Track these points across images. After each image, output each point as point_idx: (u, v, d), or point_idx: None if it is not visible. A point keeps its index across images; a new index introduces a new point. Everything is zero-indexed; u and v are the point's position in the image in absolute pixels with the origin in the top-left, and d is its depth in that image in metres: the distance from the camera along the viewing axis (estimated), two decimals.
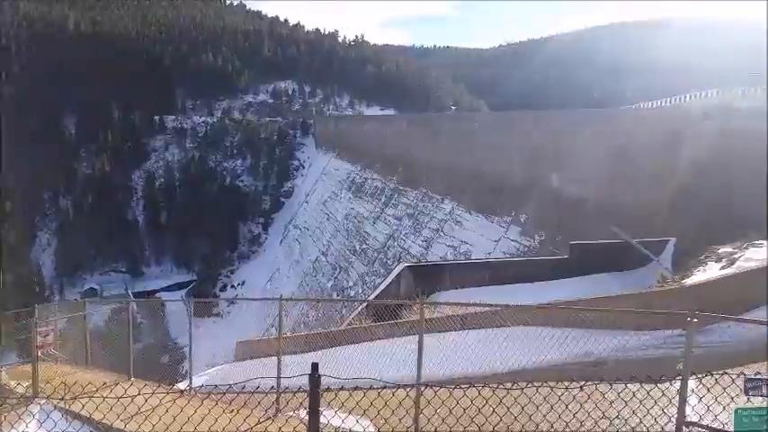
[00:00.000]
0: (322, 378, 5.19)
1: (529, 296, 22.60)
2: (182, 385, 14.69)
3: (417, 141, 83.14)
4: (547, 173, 49.46)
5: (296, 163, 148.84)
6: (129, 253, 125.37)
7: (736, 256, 20.07)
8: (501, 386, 6.17)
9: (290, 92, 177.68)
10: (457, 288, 27.08)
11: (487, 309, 13.67)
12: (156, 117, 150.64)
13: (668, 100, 49.82)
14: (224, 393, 6.40)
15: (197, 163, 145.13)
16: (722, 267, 19.65)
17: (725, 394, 5.37)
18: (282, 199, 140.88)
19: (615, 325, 13.05)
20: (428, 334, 14.02)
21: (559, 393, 6.26)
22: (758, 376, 4.29)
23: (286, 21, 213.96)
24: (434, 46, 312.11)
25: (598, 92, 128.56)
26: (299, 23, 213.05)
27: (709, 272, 19.82)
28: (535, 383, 6.10)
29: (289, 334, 21.29)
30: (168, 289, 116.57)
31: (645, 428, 6.23)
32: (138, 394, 6.15)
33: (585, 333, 13.31)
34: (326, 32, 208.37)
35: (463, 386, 6.64)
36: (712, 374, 5.33)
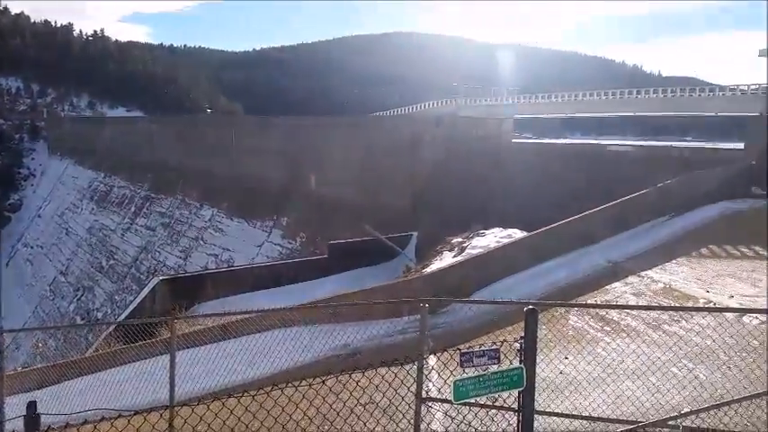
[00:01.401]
0: (43, 417, 4.52)
1: (292, 298, 23.03)
2: None
3: (169, 145, 78.49)
4: (305, 176, 50.94)
5: (24, 171, 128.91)
6: None
7: (464, 244, 23.14)
8: (261, 391, 6.12)
9: (13, 90, 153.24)
10: (220, 297, 26.29)
11: (246, 316, 13.53)
12: None
13: (411, 108, 55.16)
14: None
15: None
16: (454, 255, 22.51)
17: (459, 369, 6.13)
18: (8, 213, 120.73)
19: (369, 316, 14.00)
20: (186, 349, 13.30)
21: (317, 388, 6.45)
22: (469, 350, 4.91)
23: (6, 9, 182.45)
24: (184, 46, 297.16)
25: (348, 99, 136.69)
26: (22, 13, 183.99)
27: (445, 260, 22.51)
28: (294, 382, 6.20)
29: (18, 370, 18.38)
30: None
31: (395, 408, 6.78)
32: None
33: (343, 327, 14.07)
34: (59, 25, 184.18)
35: (222, 398, 6.45)
36: (448, 351, 6.02)
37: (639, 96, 36.01)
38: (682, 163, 27.46)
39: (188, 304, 24.18)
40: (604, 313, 13.71)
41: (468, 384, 4.75)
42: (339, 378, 6.54)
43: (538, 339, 10.33)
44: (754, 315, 11.51)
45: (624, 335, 12.50)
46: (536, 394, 7.88)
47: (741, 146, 29.84)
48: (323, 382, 6.55)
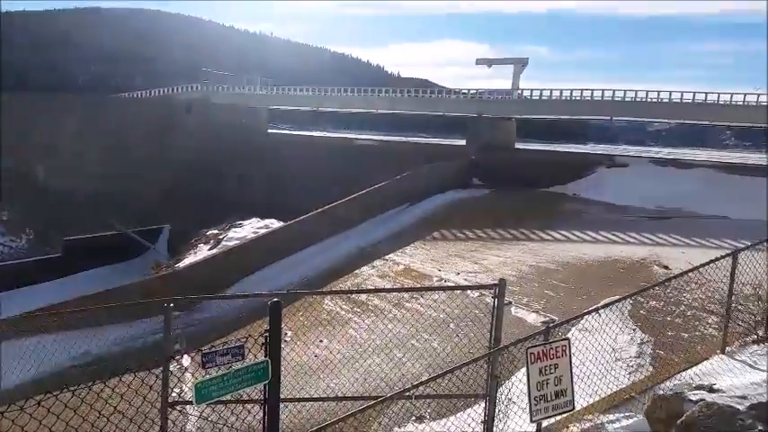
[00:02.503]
0: None
1: (16, 305, 19.76)
2: None
3: None
4: (32, 164, 44.06)
5: None
6: None
7: (221, 236, 22.56)
8: None
9: None
10: None
11: None
12: None
13: (158, 91, 51.23)
14: None
15: None
16: (210, 248, 21.82)
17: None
18: None
19: (113, 319, 12.78)
20: None
21: (50, 405, 5.68)
22: (211, 350, 4.77)
23: None
24: None
25: (84, 77, 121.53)
26: None
27: (200, 254, 21.67)
28: (18, 403, 5.36)
29: None
30: None
31: (143, 417, 6.30)
32: None
33: (83, 333, 12.59)
34: None
35: None
36: (202, 350, 5.78)
37: (384, 95, 39.09)
38: (419, 156, 30.63)
39: None
40: (355, 296, 14.66)
41: (211, 385, 4.62)
42: (76, 391, 5.85)
43: (295, 326, 10.58)
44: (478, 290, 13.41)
45: (372, 314, 13.54)
46: (292, 379, 8.10)
47: (464, 142, 34.49)
48: (56, 397, 5.80)
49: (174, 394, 6.44)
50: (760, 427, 3.85)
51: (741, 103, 28.13)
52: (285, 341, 12.54)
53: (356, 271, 18.35)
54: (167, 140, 39.59)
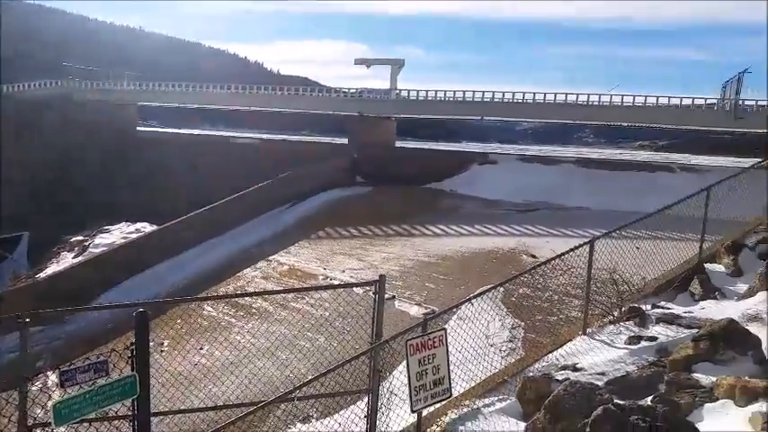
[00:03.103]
0: None
1: None
2: None
3: None
4: None
5: None
6: None
7: (87, 243, 20.91)
8: None
9: None
10: None
11: None
12: None
13: (11, 87, 46.26)
14: None
15: None
16: (75, 256, 20.15)
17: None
18: None
19: None
20: None
21: None
22: (71, 367, 4.37)
23: None
24: None
25: None
26: None
27: (63, 262, 19.96)
28: None
29: None
30: None
31: None
32: None
33: None
34: None
35: None
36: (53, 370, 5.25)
37: (262, 92, 38.18)
38: (301, 155, 30.37)
39: None
40: (238, 299, 14.25)
41: (73, 404, 4.23)
42: None
43: (174, 335, 10.08)
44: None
45: (256, 317, 13.25)
46: (171, 391, 7.68)
47: (346, 141, 34.68)
48: None
49: (37, 415, 5.87)
50: (616, 399, 4.23)
51: (597, 103, 30.76)
52: (162, 351, 11.92)
53: (239, 273, 17.85)
54: (24, 140, 36.01)
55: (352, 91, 36.91)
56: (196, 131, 43.42)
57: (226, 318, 13.47)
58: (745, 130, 30.25)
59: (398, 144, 35.58)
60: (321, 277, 16.64)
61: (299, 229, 22.69)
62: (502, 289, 9.67)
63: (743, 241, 8.18)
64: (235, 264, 18.88)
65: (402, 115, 34.92)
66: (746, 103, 28.15)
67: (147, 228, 22.08)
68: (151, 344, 5.36)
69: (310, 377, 4.66)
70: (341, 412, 6.69)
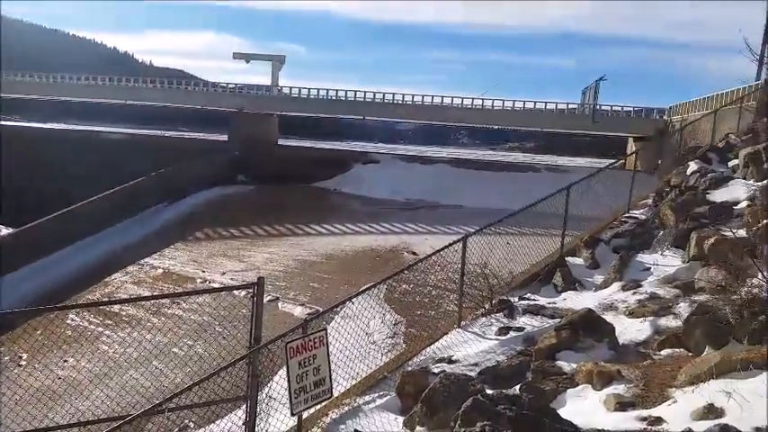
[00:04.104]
0: None
1: None
2: None
3: None
4: None
5: None
6: None
7: None
8: None
9: None
10: None
11: None
12: None
13: None
14: None
15: None
16: None
17: None
18: None
19: None
20: None
21: None
22: None
23: None
24: None
25: None
26: None
27: None
28: None
29: None
30: None
31: None
32: None
33: None
34: None
35: None
36: None
37: (136, 85, 35.88)
38: (178, 151, 28.87)
39: None
40: (107, 307, 13.30)
41: None
42: None
43: (33, 347, 9.23)
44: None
45: (126, 325, 12.45)
46: (30, 408, 7.00)
47: (226, 137, 33.52)
48: None
49: None
50: (487, 389, 4.46)
51: (470, 106, 32.28)
52: (20, 365, 10.83)
53: (107, 279, 16.67)
54: None
55: (231, 86, 35.76)
56: (60, 126, 39.89)
57: (92, 327, 12.53)
58: (605, 133, 33.34)
59: (282, 142, 35.08)
60: (199, 281, 15.99)
61: (176, 229, 21.63)
62: (384, 286, 9.86)
63: (599, 236, 8.99)
64: (103, 269, 17.60)
65: (284, 113, 34.47)
66: (603, 107, 31.04)
67: (1, 230, 20.04)
68: (6, 358, 4.88)
69: (185, 386, 4.46)
70: (218, 422, 6.49)
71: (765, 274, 4.73)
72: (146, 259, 17.90)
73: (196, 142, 34.76)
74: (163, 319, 12.58)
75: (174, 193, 24.95)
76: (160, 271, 16.99)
